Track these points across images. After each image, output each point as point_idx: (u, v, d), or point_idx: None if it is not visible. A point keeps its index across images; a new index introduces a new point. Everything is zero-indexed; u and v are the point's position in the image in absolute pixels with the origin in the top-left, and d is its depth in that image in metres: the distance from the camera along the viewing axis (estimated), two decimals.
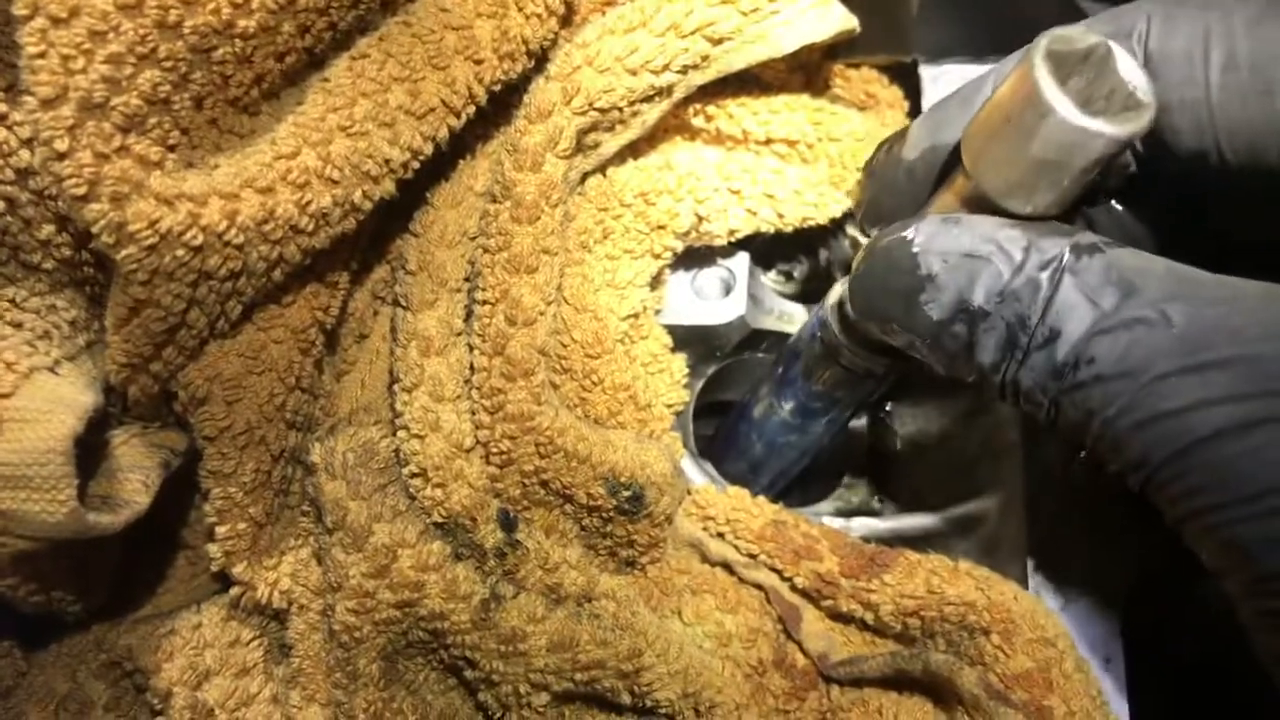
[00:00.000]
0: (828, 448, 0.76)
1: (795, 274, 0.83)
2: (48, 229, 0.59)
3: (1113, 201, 0.55)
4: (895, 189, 0.58)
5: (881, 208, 0.60)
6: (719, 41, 0.64)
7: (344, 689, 0.58)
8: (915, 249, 0.49)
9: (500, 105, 0.64)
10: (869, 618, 0.62)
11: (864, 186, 0.62)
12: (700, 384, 0.78)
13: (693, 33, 0.63)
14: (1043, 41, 0.45)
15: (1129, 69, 0.45)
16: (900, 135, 0.59)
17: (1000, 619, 0.58)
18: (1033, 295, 0.45)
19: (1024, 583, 0.63)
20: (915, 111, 0.76)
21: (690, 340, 0.73)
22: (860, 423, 0.82)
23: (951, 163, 0.53)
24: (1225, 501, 0.41)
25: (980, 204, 0.50)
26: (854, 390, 0.67)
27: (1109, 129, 0.43)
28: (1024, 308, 0.45)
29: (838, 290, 0.63)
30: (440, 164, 0.65)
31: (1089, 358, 0.44)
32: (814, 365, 0.66)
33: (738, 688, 0.61)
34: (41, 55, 0.50)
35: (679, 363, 0.70)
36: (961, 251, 0.47)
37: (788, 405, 0.71)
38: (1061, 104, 0.43)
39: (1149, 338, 0.42)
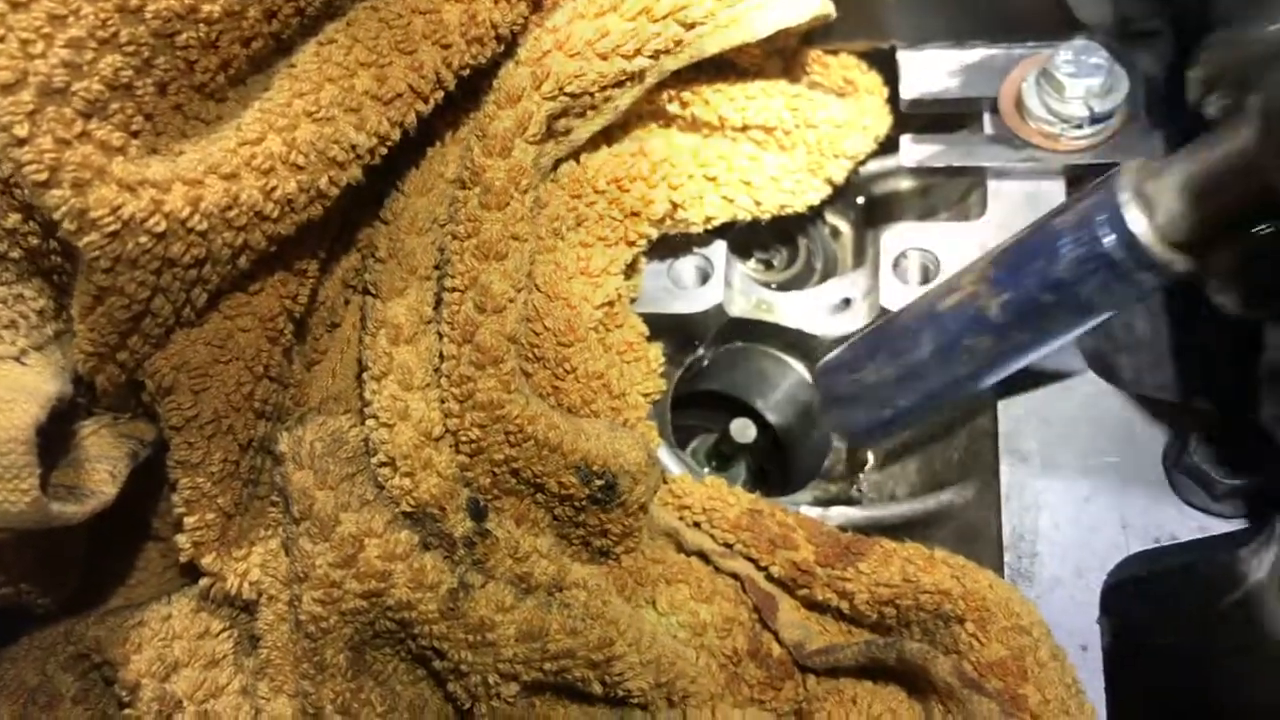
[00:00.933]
0: (987, 385, 0.65)
1: (775, 262, 0.83)
2: (14, 217, 0.58)
3: None
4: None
5: None
6: (691, 26, 0.63)
7: (311, 679, 0.57)
8: None
9: (470, 91, 0.64)
10: (844, 606, 0.62)
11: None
12: (679, 373, 0.77)
13: (664, 17, 0.62)
14: None
15: None
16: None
17: (975, 607, 0.58)
18: None
19: (1000, 571, 0.63)
20: (894, 98, 0.76)
21: (667, 329, 0.73)
22: None
23: None
24: None
25: None
26: (1107, 302, 0.57)
27: None
28: None
29: (1133, 170, 0.54)
30: (410, 151, 0.64)
31: None
32: (1082, 258, 0.55)
33: (712, 677, 0.61)
34: (0, 39, 0.49)
35: (655, 351, 0.69)
36: None
37: (985, 346, 0.61)
38: None
39: None
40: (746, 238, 0.79)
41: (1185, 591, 0.63)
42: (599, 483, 0.60)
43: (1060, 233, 0.56)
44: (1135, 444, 0.64)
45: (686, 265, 0.74)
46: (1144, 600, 0.64)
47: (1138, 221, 0.52)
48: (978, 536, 0.66)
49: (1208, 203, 0.51)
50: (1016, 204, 0.72)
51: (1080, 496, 0.64)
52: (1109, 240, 0.53)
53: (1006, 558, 0.63)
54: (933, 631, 0.59)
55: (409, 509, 0.59)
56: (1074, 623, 0.61)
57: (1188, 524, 0.62)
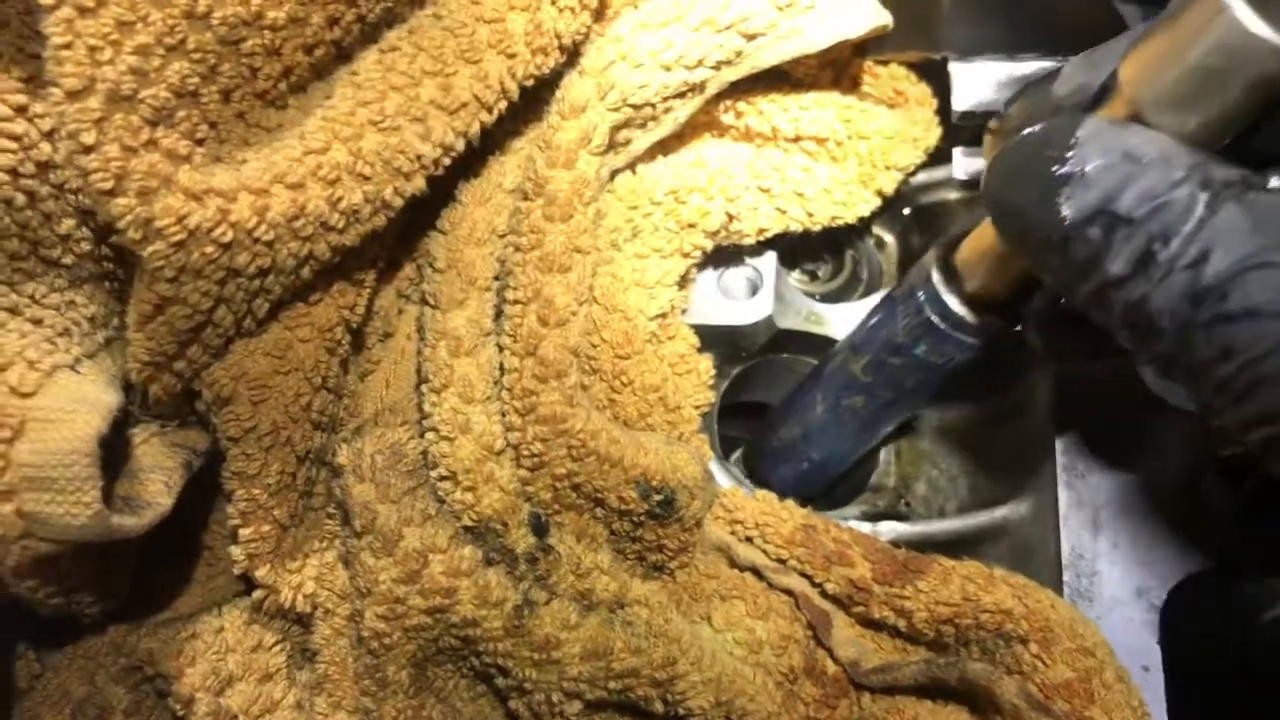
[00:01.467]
0: (893, 424, 0.74)
1: (820, 274, 0.82)
2: (68, 223, 0.57)
3: None
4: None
5: None
6: (753, 37, 0.63)
7: (372, 696, 0.56)
8: (1074, 139, 0.45)
9: (530, 101, 0.63)
10: (902, 624, 0.61)
11: (999, 132, 0.60)
12: (724, 384, 0.77)
13: (728, 28, 0.62)
14: None
15: None
16: (1043, 79, 0.56)
17: (1038, 627, 0.57)
18: (1188, 210, 0.41)
19: (1059, 590, 0.62)
20: (944, 109, 0.75)
21: (717, 340, 0.72)
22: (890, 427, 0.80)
23: (1108, 86, 0.49)
24: None
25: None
26: (935, 382, 0.65)
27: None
28: (1174, 221, 0.42)
29: (939, 247, 0.62)
30: (468, 160, 0.63)
31: (1242, 290, 0.40)
32: (912, 324, 0.64)
33: (769, 696, 0.60)
34: (68, 46, 0.49)
35: (706, 363, 0.69)
36: (1123, 150, 0.43)
37: (867, 365, 0.68)
38: (1237, 4, 0.40)
39: None
40: (793, 248, 0.79)
41: (1245, 611, 0.63)
42: (658, 498, 0.60)
43: (895, 301, 0.65)
44: (1197, 459, 0.63)
45: (736, 277, 0.74)
46: (1204, 620, 0.63)
47: (948, 292, 0.60)
48: (1033, 554, 0.66)
49: (999, 272, 0.58)
50: None
51: (1141, 513, 0.63)
52: (927, 309, 0.62)
53: (1065, 576, 0.62)
54: (992, 651, 0.59)
55: (470, 523, 0.58)
56: (1135, 643, 0.60)
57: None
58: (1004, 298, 0.60)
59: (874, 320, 0.67)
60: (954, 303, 0.60)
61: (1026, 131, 0.48)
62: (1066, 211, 0.45)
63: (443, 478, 0.58)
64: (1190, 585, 0.62)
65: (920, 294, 0.62)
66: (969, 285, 0.60)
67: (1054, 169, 0.45)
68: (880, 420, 0.72)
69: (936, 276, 0.61)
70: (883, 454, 0.79)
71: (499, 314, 0.61)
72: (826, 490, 0.78)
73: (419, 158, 0.56)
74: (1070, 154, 0.45)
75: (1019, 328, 0.60)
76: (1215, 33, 0.41)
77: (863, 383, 0.69)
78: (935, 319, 0.61)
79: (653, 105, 0.62)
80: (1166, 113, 0.44)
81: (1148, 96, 0.45)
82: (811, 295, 0.77)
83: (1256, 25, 0.40)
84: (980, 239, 0.59)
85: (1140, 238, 0.43)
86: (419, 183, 0.57)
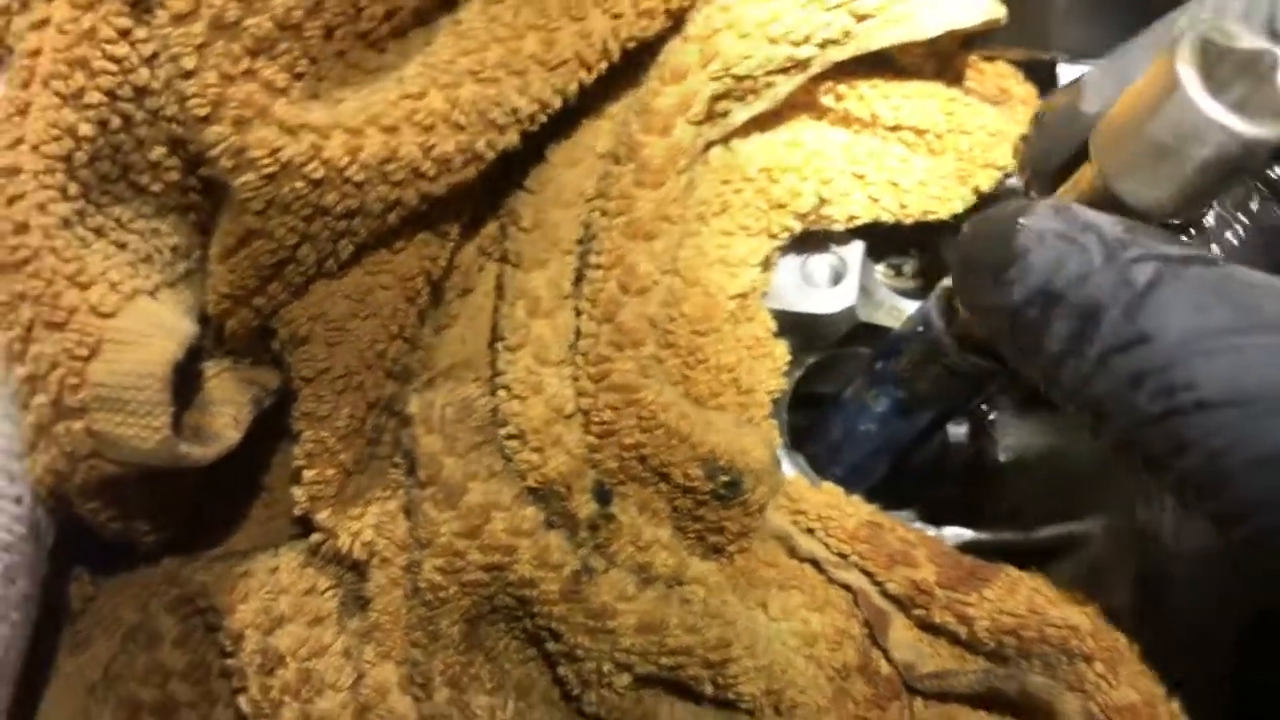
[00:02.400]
0: (909, 451, 0.74)
1: (905, 269, 0.80)
2: (159, 150, 0.57)
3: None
4: (1070, 146, 0.54)
5: (1051, 165, 0.57)
6: (863, 18, 0.61)
7: (423, 649, 0.56)
8: (1020, 224, 0.45)
9: (627, 66, 0.62)
10: (963, 632, 0.60)
11: (1030, 143, 0.60)
12: (799, 373, 0.75)
13: (837, 6, 0.60)
14: (1201, 26, 0.42)
15: None
16: (1074, 87, 0.56)
17: (1106, 647, 0.55)
18: (1120, 286, 0.41)
19: (1131, 611, 0.60)
20: None
21: (794, 327, 0.71)
22: (961, 430, 0.79)
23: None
24: None
25: (1102, 192, 0.47)
26: (946, 393, 0.65)
27: (1231, 122, 0.40)
28: (1107, 297, 0.41)
29: (948, 280, 0.61)
30: (560, 121, 0.62)
31: (1187, 381, 0.39)
32: (913, 359, 0.64)
33: (820, 690, 0.59)
34: None
35: (781, 349, 0.67)
36: (1058, 232, 0.44)
37: (877, 395, 0.69)
38: (1190, 82, 0.40)
39: (1267, 362, 0.38)
40: (880, 241, 0.77)
41: None
42: (724, 478, 0.59)
43: (901, 337, 0.66)
44: None
45: (820, 264, 0.72)
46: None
47: (946, 334, 0.60)
48: (1105, 573, 0.64)
49: None
50: None
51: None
52: (929, 347, 0.62)
53: (1138, 596, 0.61)
54: (1054, 666, 0.57)
55: (535, 485, 0.57)
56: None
57: None
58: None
59: (882, 350, 0.68)
60: (950, 344, 0.60)
61: (977, 218, 0.50)
62: (1012, 294, 0.45)
63: (511, 436, 0.58)
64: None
65: (922, 328, 0.62)
66: (958, 327, 0.60)
67: (1001, 254, 0.46)
68: (898, 448, 0.73)
69: (938, 310, 0.61)
70: (955, 459, 0.77)
71: (580, 278, 0.61)
72: (889, 486, 0.77)
73: (515, 111, 0.56)
74: (1017, 238, 0.45)
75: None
76: (1169, 110, 0.41)
77: (876, 412, 0.70)
78: (934, 359, 0.62)
79: (755, 78, 0.61)
80: (1128, 182, 0.45)
81: (1111, 165, 0.46)
82: (898, 291, 0.76)
83: (1209, 106, 0.40)
84: None
85: (1073, 317, 0.43)
86: (513, 137, 0.57)
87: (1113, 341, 0.41)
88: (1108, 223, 0.44)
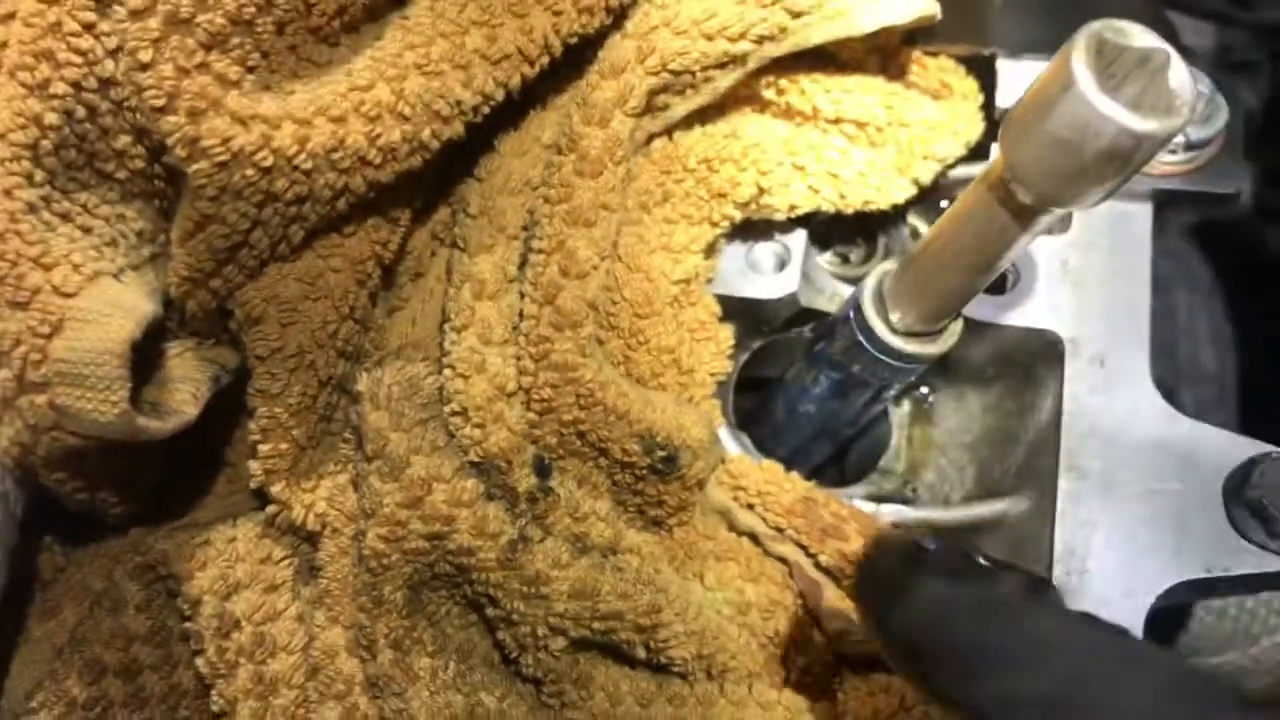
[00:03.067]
0: (849, 430, 0.77)
1: (851, 257, 0.83)
2: (124, 139, 0.60)
3: None
4: None
5: None
6: (798, 15, 0.64)
7: (368, 613, 0.59)
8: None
9: (574, 59, 0.65)
10: None
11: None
12: (745, 356, 0.78)
13: (772, 3, 0.63)
14: (1096, 25, 0.44)
15: (1181, 80, 0.44)
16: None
17: None
18: None
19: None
20: (989, 105, 0.76)
21: (739, 312, 0.73)
22: (901, 410, 0.81)
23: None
24: None
25: (1008, 182, 0.50)
26: (878, 375, 0.67)
27: (1123, 118, 0.42)
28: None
29: (876, 274, 0.64)
30: (510, 112, 0.65)
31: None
32: (846, 342, 0.67)
33: (752, 656, 0.62)
34: None
35: (726, 332, 0.70)
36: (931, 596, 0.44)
37: (816, 377, 0.72)
38: (1084, 80, 0.42)
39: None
40: (826, 230, 0.80)
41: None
42: (661, 454, 0.61)
43: (836, 321, 0.68)
44: (1197, 473, 0.64)
45: (765, 251, 0.75)
46: (1187, 628, 0.64)
47: (875, 319, 0.63)
48: (1028, 548, 0.67)
49: (919, 307, 0.61)
50: (1101, 223, 0.72)
51: (1136, 519, 0.64)
52: (858, 333, 0.64)
53: (1056, 571, 0.63)
54: None
55: (477, 459, 0.60)
56: None
57: (1242, 557, 0.62)
58: (926, 329, 0.63)
59: (820, 332, 0.71)
60: (881, 329, 0.63)
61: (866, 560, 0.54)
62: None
63: (455, 413, 0.61)
64: (1177, 593, 0.63)
65: (853, 317, 0.65)
66: (893, 315, 0.62)
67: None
68: (837, 429, 0.76)
69: (868, 303, 0.63)
70: (894, 439, 0.80)
71: (524, 263, 0.63)
72: (832, 463, 0.80)
73: (459, 103, 0.58)
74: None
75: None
76: (1066, 105, 0.43)
77: (814, 392, 0.73)
78: (865, 343, 0.64)
79: (692, 73, 0.63)
80: (1035, 175, 0.48)
81: (1015, 155, 0.48)
82: (841, 278, 0.78)
83: (1103, 102, 0.42)
84: (906, 272, 0.62)
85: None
86: (457, 127, 0.59)
87: None
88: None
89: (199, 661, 0.61)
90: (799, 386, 0.74)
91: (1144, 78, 0.44)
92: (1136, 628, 0.61)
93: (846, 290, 0.76)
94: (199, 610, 0.61)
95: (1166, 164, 0.71)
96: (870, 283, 0.64)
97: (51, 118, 0.57)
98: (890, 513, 0.72)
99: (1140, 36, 0.45)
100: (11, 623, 0.65)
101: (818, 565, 0.65)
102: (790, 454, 0.77)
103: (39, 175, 0.57)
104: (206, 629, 0.60)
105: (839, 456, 0.83)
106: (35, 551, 0.68)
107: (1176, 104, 0.44)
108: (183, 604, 0.61)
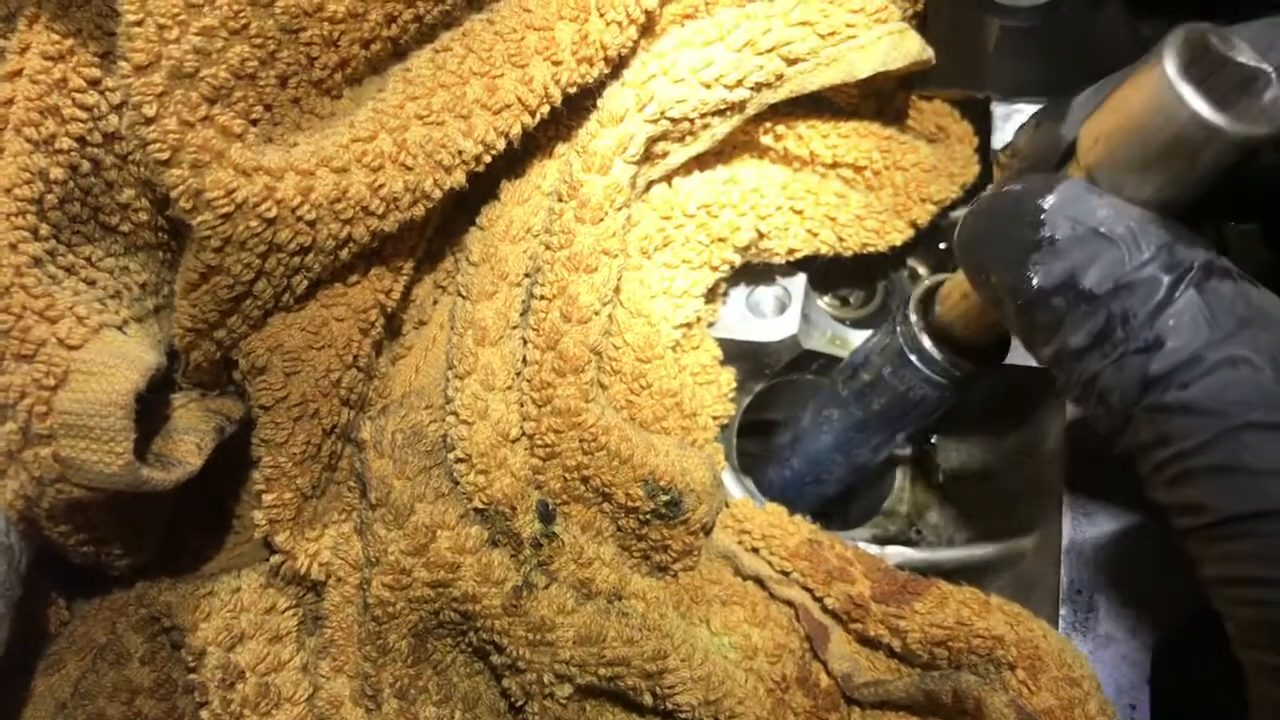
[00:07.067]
0: (863, 473, 0.76)
1: (851, 300, 0.84)
2: (128, 193, 0.61)
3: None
4: (1048, 168, 0.54)
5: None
6: (794, 62, 0.64)
7: (373, 662, 0.59)
8: (1046, 205, 0.45)
9: (575, 108, 0.65)
10: (896, 644, 0.62)
11: (1005, 168, 0.61)
12: (747, 400, 0.78)
13: (768, 51, 0.63)
14: (1204, 27, 0.42)
15: (1276, 101, 0.42)
16: (1054, 108, 0.57)
17: (1027, 654, 0.58)
18: (1149, 294, 0.42)
19: (1055, 624, 0.63)
20: (984, 148, 0.77)
21: (741, 355, 0.74)
22: (904, 453, 0.82)
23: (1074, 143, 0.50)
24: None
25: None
26: (902, 412, 0.67)
27: (1198, 105, 0.41)
28: (1134, 305, 0.42)
29: (929, 280, 0.64)
30: (512, 161, 0.66)
31: (1183, 382, 0.41)
32: (872, 378, 0.67)
33: (759, 701, 0.62)
34: (139, 23, 0.52)
35: (728, 376, 0.70)
36: (1093, 225, 0.44)
37: (835, 417, 0.72)
38: (1170, 62, 0.41)
39: (1251, 380, 0.40)
40: (826, 273, 0.80)
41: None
42: (665, 498, 0.61)
43: (861, 359, 0.69)
44: None
45: (766, 295, 0.76)
46: (1196, 667, 0.63)
47: (920, 325, 0.63)
48: (1035, 587, 0.66)
49: (970, 319, 0.60)
50: None
51: (1142, 557, 0.64)
52: (900, 336, 0.64)
53: (1062, 610, 0.63)
54: (983, 675, 0.59)
55: (481, 505, 0.60)
56: (1124, 681, 0.61)
57: None
58: (973, 343, 0.62)
59: (863, 343, 0.71)
60: (924, 338, 0.62)
61: (1001, 190, 0.48)
62: (1034, 279, 0.45)
63: (459, 460, 0.61)
64: (1185, 630, 0.62)
65: (898, 319, 0.64)
66: (941, 324, 0.62)
67: (1025, 234, 0.45)
68: (852, 441, 0.74)
69: (914, 307, 0.63)
70: (898, 481, 0.80)
71: (526, 309, 0.64)
72: (837, 507, 0.79)
73: (460, 153, 0.59)
74: (1043, 220, 0.45)
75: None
76: (1162, 111, 0.42)
77: (839, 396, 0.71)
78: (904, 346, 0.64)
79: (690, 120, 0.64)
80: (1120, 179, 0.45)
81: (1101, 163, 0.46)
82: (841, 321, 0.79)
83: (1200, 105, 0.41)
84: (958, 284, 0.60)
85: (1100, 316, 0.43)
86: (459, 177, 0.60)
87: (1132, 345, 0.42)
88: (1136, 220, 0.43)
89: (203, 714, 0.60)
90: (828, 392, 0.73)
91: (1236, 84, 0.42)
92: (1144, 666, 0.61)
93: (846, 332, 0.77)
94: (203, 662, 0.60)
95: None
96: (921, 288, 0.64)
97: (57, 172, 0.58)
98: (895, 554, 0.72)
99: (1247, 52, 0.44)
100: (15, 677, 0.65)
101: (824, 608, 0.65)
102: (804, 467, 0.76)
103: (44, 229, 0.58)
104: (211, 681, 0.60)
105: (844, 500, 0.83)
106: (39, 605, 0.68)
107: (1264, 117, 0.42)
108: (187, 656, 0.61)
